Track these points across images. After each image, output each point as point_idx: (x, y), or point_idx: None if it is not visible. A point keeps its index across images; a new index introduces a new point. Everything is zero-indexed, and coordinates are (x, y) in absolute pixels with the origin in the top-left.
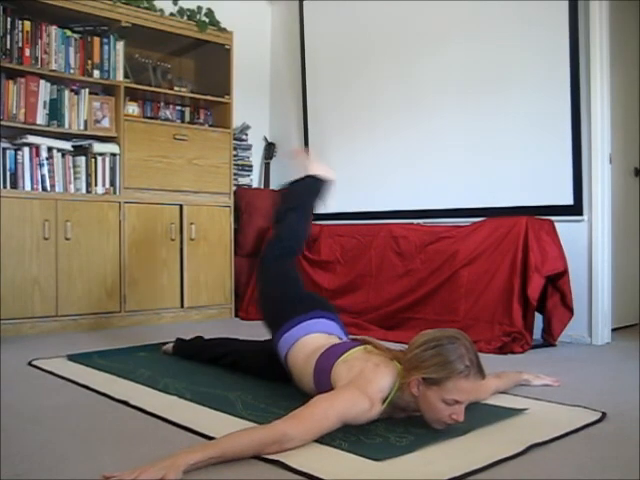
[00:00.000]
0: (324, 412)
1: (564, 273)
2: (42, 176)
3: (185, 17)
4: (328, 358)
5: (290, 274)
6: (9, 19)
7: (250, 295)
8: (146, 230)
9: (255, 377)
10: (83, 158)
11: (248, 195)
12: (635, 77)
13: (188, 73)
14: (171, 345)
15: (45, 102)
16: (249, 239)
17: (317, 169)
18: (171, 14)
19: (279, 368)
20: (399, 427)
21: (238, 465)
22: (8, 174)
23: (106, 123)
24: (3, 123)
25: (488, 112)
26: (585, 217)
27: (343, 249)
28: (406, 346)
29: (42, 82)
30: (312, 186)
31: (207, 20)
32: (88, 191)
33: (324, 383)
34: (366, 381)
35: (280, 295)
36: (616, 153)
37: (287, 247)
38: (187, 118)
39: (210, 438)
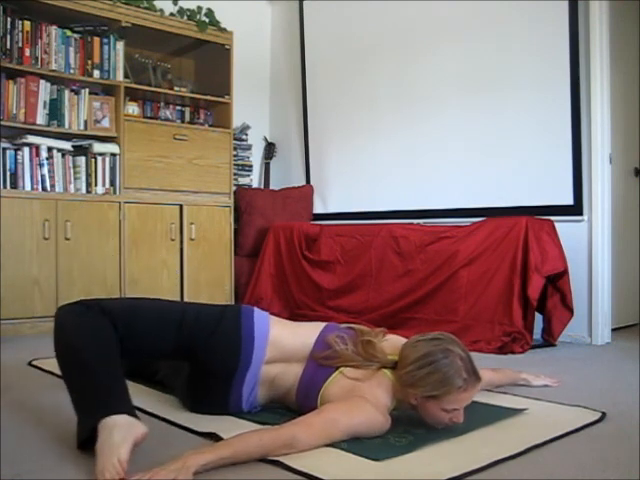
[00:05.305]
0: (335, 422)
1: (564, 273)
2: (42, 176)
3: (185, 17)
4: (313, 383)
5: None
6: (9, 19)
7: (250, 295)
8: (146, 230)
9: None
10: (83, 158)
11: (248, 195)
12: (635, 77)
13: (188, 73)
14: None
15: (45, 102)
16: (249, 239)
17: None
18: (171, 14)
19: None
20: (399, 427)
21: (238, 465)
22: (8, 174)
23: (106, 123)
24: (3, 123)
25: (488, 112)
26: (585, 217)
27: (343, 249)
28: (399, 337)
29: (42, 82)
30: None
31: (207, 20)
32: (88, 191)
33: (312, 407)
34: (371, 398)
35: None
36: (616, 153)
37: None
38: (187, 118)
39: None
